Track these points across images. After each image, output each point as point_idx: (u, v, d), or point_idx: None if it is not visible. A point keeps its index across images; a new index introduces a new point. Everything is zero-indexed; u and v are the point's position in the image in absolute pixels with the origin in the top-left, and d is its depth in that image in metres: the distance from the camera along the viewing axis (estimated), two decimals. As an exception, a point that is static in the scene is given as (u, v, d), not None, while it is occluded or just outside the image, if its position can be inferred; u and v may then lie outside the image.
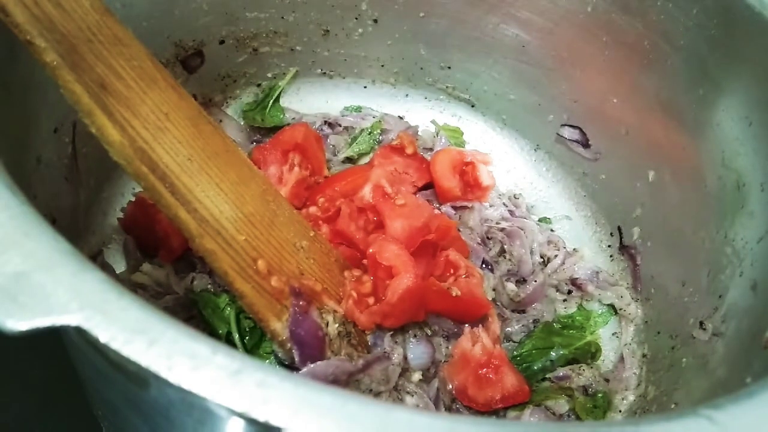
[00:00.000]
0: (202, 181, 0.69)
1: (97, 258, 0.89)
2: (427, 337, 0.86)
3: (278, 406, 0.38)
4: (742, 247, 0.77)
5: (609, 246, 1.04)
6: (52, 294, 0.41)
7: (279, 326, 0.73)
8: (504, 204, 1.05)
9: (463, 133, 1.15)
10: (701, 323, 0.79)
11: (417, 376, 0.83)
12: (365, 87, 1.16)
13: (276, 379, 0.39)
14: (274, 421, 0.37)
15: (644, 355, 0.91)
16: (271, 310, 0.73)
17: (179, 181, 0.66)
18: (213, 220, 0.68)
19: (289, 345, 0.74)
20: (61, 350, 0.70)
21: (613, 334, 0.96)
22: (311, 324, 0.76)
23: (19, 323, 0.39)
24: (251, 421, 0.38)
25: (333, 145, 1.10)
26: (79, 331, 0.40)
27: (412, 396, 0.80)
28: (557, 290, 0.99)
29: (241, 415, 0.38)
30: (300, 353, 0.74)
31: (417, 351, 0.84)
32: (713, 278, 0.80)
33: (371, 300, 0.83)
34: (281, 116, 1.10)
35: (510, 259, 0.98)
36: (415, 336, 0.85)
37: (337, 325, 0.78)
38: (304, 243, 0.82)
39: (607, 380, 0.91)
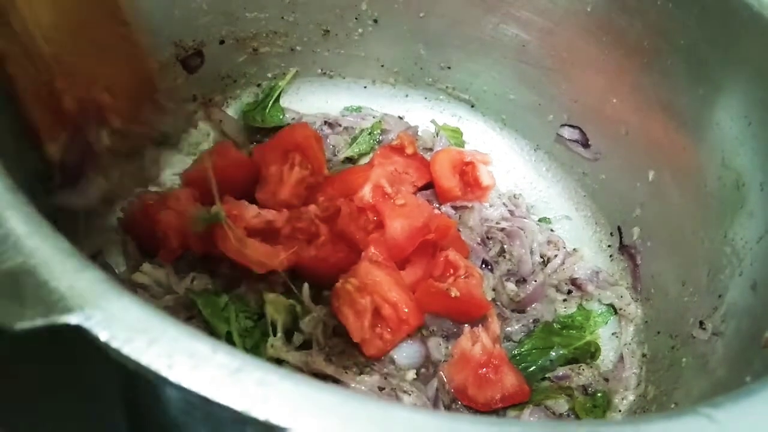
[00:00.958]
0: None
1: (97, 258, 0.89)
2: (422, 338, 0.86)
3: (278, 404, 0.38)
4: (741, 247, 0.77)
5: (609, 246, 1.04)
6: (52, 294, 0.41)
7: (54, 148, 0.67)
8: (504, 204, 1.05)
9: (463, 133, 1.15)
10: (701, 323, 0.79)
11: (411, 374, 0.82)
12: (365, 87, 1.16)
13: (276, 378, 0.39)
14: (275, 420, 0.37)
15: (644, 355, 0.91)
16: (52, 131, 0.66)
17: None
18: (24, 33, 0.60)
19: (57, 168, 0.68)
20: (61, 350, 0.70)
21: (612, 334, 0.96)
22: (82, 143, 0.69)
23: (19, 323, 0.40)
24: (251, 420, 0.38)
25: (333, 145, 1.10)
26: (79, 331, 0.40)
27: (409, 395, 0.80)
28: (557, 290, 0.99)
29: (241, 414, 0.38)
30: (62, 175, 0.68)
31: (408, 351, 0.84)
32: (713, 278, 0.80)
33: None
34: (281, 116, 1.10)
35: (510, 259, 0.98)
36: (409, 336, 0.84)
37: (111, 138, 0.72)
38: (114, 55, 0.73)
39: (606, 380, 0.91)
